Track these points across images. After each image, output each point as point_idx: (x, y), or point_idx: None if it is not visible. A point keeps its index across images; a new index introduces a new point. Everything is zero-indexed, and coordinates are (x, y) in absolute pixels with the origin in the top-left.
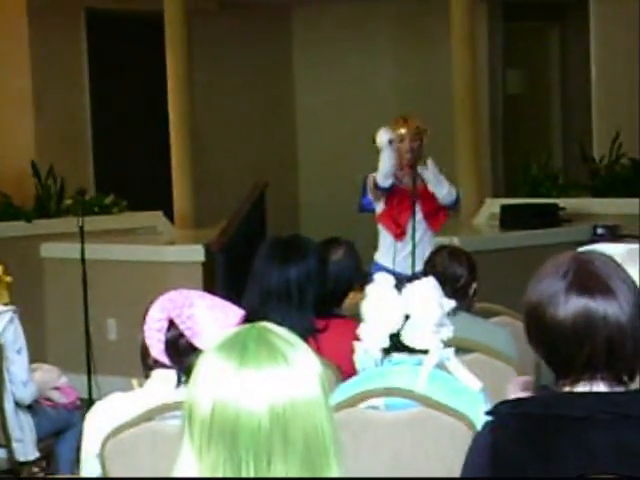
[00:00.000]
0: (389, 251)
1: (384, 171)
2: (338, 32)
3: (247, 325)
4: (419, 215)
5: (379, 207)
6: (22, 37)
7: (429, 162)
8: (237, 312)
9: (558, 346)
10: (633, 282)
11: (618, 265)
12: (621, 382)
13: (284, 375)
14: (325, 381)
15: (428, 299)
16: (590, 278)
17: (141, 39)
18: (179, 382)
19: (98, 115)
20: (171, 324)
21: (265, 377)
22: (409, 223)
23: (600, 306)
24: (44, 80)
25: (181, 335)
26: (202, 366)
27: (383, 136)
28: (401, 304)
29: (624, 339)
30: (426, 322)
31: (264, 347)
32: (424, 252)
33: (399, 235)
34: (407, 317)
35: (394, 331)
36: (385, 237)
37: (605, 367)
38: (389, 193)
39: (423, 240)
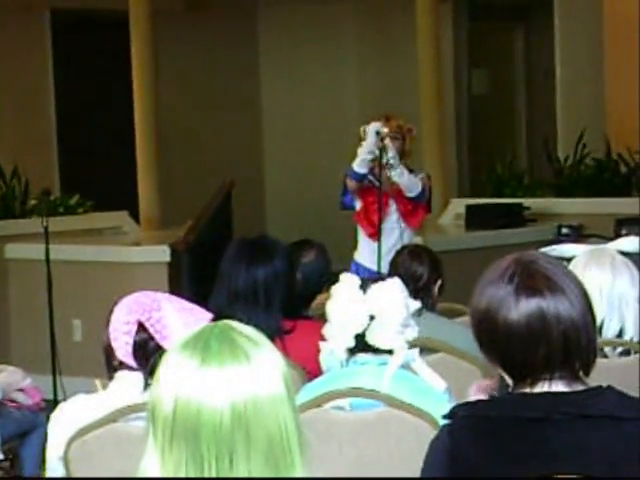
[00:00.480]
0: (367, 251)
1: (361, 157)
2: (304, 33)
3: (211, 323)
4: (396, 215)
5: (358, 206)
6: None
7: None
8: (206, 315)
9: (513, 350)
10: (576, 277)
11: (560, 261)
12: (578, 378)
13: (246, 373)
14: (289, 379)
15: (393, 299)
16: (537, 278)
17: (107, 39)
18: (146, 385)
19: (63, 115)
20: (140, 327)
21: (227, 375)
22: (382, 222)
23: (551, 304)
24: (8, 80)
25: (150, 338)
26: (165, 364)
27: (373, 125)
28: (366, 304)
29: (578, 334)
30: (391, 322)
31: (226, 345)
32: None
33: (373, 234)
34: (372, 317)
35: (359, 331)
36: (362, 236)
37: (562, 365)
38: (363, 191)
39: (402, 238)
